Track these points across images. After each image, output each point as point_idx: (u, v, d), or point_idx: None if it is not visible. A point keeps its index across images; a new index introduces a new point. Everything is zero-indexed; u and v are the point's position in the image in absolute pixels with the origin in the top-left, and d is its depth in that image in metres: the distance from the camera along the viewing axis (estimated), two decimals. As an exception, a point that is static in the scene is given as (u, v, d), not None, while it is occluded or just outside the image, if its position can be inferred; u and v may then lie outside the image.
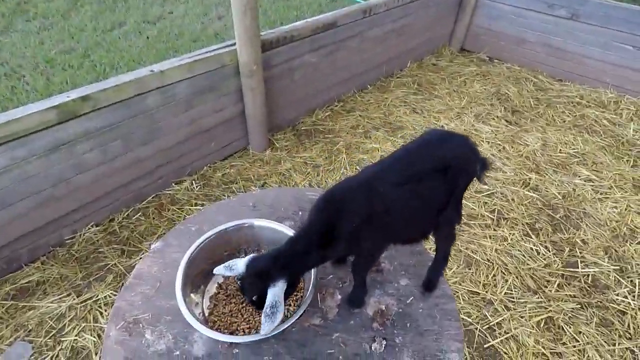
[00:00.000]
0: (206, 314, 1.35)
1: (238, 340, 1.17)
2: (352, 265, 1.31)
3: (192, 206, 2.95)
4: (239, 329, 1.29)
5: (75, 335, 2.23)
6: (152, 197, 3.01)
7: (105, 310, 2.35)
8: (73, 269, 2.56)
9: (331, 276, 1.47)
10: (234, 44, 2.91)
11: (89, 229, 2.76)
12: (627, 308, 2.31)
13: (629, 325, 2.23)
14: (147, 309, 1.38)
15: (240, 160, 3.39)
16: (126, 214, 2.89)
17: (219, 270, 1.20)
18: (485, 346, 2.14)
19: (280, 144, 3.56)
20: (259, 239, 1.54)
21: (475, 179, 1.29)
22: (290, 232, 1.44)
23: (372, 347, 1.25)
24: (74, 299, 2.39)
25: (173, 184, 3.10)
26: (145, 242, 2.73)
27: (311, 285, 1.25)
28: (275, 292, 1.09)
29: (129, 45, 5.10)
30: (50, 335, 2.23)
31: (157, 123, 2.72)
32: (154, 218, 2.87)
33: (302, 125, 3.81)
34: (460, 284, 2.42)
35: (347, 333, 1.30)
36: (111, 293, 2.43)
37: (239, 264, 1.17)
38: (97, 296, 2.41)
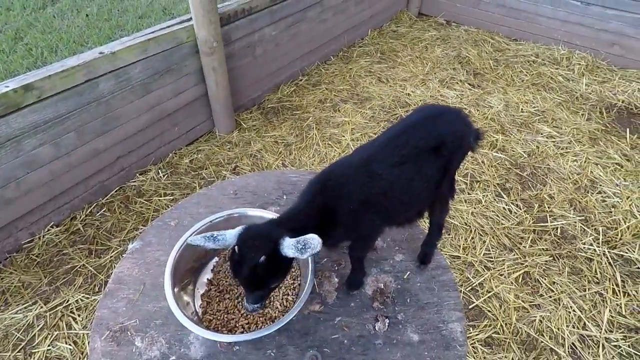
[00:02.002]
0: (200, 314, 1.28)
1: (239, 339, 1.11)
2: (350, 249, 1.27)
3: (161, 197, 2.79)
4: (237, 325, 1.23)
5: (48, 345, 2.09)
6: (116, 191, 2.82)
7: (79, 315, 2.21)
8: (36, 274, 2.38)
9: (325, 259, 1.44)
10: (190, 19, 2.69)
11: (49, 230, 2.56)
12: (593, 255, 2.47)
13: (595, 271, 2.39)
14: (134, 314, 1.29)
15: (207, 144, 3.23)
16: (89, 210, 2.70)
17: (195, 240, 1.00)
18: (470, 307, 2.22)
19: (248, 124, 3.42)
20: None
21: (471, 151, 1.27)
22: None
23: (376, 327, 1.24)
24: (42, 307, 2.23)
25: (137, 175, 2.91)
26: (114, 238, 2.56)
27: (309, 272, 1.21)
28: (288, 241, 0.93)
29: (67, 25, 4.63)
30: (19, 348, 2.08)
31: (113, 110, 2.51)
32: (120, 213, 2.70)
33: (268, 103, 3.67)
34: (441, 250, 2.48)
35: (349, 316, 1.27)
36: (83, 297, 2.28)
37: (227, 235, 1.00)
38: (68, 301, 2.26)
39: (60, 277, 2.37)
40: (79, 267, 2.41)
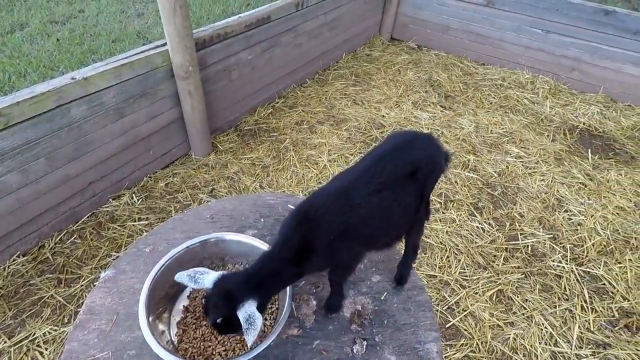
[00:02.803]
0: (175, 342, 1.25)
1: (216, 366, 1.09)
2: (330, 274, 1.28)
3: (135, 222, 2.73)
4: (214, 353, 1.21)
5: (13, 382, 1.98)
6: (88, 217, 2.74)
7: (47, 349, 2.10)
8: (0, 307, 2.26)
9: (303, 282, 1.44)
10: (165, 44, 2.71)
11: (14, 260, 2.45)
12: (562, 272, 2.55)
13: (565, 288, 2.47)
14: (106, 345, 1.24)
15: (183, 167, 3.20)
16: (59, 238, 2.61)
17: (181, 277, 1.10)
18: (447, 326, 2.24)
19: (224, 146, 3.41)
20: (224, 253, 1.45)
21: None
22: (257, 243, 1.38)
23: (354, 350, 1.25)
24: (5, 342, 2.11)
25: (111, 200, 2.85)
26: (85, 267, 2.48)
27: (287, 297, 1.21)
28: (246, 309, 1.01)
29: (37, 50, 4.56)
30: (-19, 387, 1.96)
31: (86, 136, 2.46)
32: (92, 239, 2.62)
33: (245, 125, 3.69)
34: (418, 269, 2.51)
35: (327, 339, 1.27)
36: (51, 329, 2.18)
37: (206, 279, 1.08)
38: (34, 334, 2.16)
39: (26, 309, 2.25)
40: (47, 298, 2.31)
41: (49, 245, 2.55)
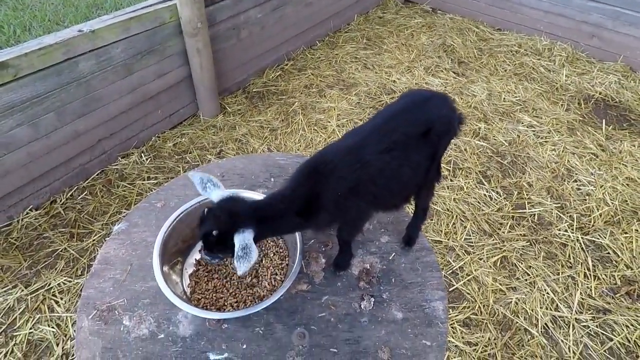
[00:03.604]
0: (188, 293, 1.29)
1: (227, 316, 1.13)
2: (338, 232, 1.30)
3: (144, 180, 2.75)
4: (226, 304, 1.25)
5: (30, 328, 2.07)
6: (98, 174, 2.76)
7: (62, 299, 2.19)
8: (15, 258, 2.33)
9: (313, 241, 1.46)
10: (173, -3, 2.63)
11: (28, 213, 2.50)
12: (567, 241, 2.57)
13: (569, 256, 2.49)
14: (121, 294, 1.29)
15: (191, 127, 3.18)
16: (70, 194, 2.64)
17: (194, 176, 1.09)
18: (450, 289, 2.29)
19: (233, 108, 3.38)
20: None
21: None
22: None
23: (362, 305, 1.28)
24: (22, 290, 2.20)
25: (120, 158, 2.86)
26: (96, 222, 2.53)
27: (297, 252, 1.23)
28: (245, 236, 0.99)
29: (41, 3, 4.44)
30: (0, 331, 2.05)
31: (94, 91, 2.44)
32: (102, 196, 2.66)
33: (253, 87, 3.63)
34: (425, 234, 2.53)
35: (335, 295, 1.31)
36: (65, 280, 2.26)
37: (214, 193, 1.07)
38: (49, 284, 2.23)
39: (41, 261, 2.33)
40: (61, 251, 2.37)
41: (60, 201, 2.59)
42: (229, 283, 1.29)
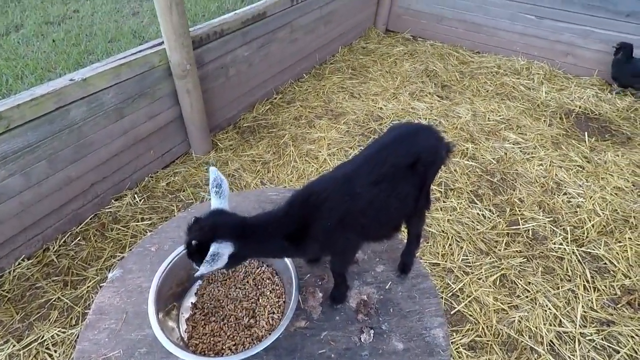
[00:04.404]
0: (185, 339, 1.27)
1: None
2: (330, 264, 1.30)
3: (138, 222, 2.75)
4: (224, 348, 1.23)
5: (25, 386, 2.00)
6: (91, 218, 2.75)
7: (56, 351, 2.13)
8: (7, 311, 2.28)
9: (309, 275, 1.46)
10: (162, 43, 2.71)
11: (20, 263, 2.47)
12: (563, 254, 2.58)
13: (567, 269, 2.50)
14: (117, 344, 1.27)
15: (184, 166, 3.21)
16: (63, 240, 2.62)
17: (213, 172, 1.13)
18: (452, 312, 2.27)
19: (224, 144, 3.42)
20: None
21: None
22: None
23: (362, 339, 1.27)
24: (14, 345, 2.13)
25: (113, 201, 2.86)
26: (90, 268, 2.49)
27: (294, 289, 1.23)
28: (220, 246, 1.00)
29: (33, 52, 4.54)
30: (-8, 391, 1.98)
31: (86, 137, 2.47)
32: (96, 241, 2.64)
33: (244, 122, 3.70)
34: (421, 258, 2.53)
35: (334, 330, 1.29)
36: (59, 331, 2.20)
37: (214, 201, 1.10)
38: (43, 337, 2.18)
39: (34, 312, 2.28)
40: (54, 300, 2.33)
41: (53, 248, 2.56)
42: (226, 325, 1.28)
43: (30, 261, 2.49)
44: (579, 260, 2.54)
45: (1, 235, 2.29)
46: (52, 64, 4.33)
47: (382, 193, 1.15)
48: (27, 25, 5.11)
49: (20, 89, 3.87)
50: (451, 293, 2.37)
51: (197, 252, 1.02)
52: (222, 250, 0.99)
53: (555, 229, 2.75)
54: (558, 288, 2.40)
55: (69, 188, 2.53)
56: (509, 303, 2.32)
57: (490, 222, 2.79)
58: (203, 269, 0.97)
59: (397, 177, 1.17)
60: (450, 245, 2.63)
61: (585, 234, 2.69)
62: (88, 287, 2.39)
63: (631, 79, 3.92)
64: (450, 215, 2.82)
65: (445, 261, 2.53)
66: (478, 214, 2.85)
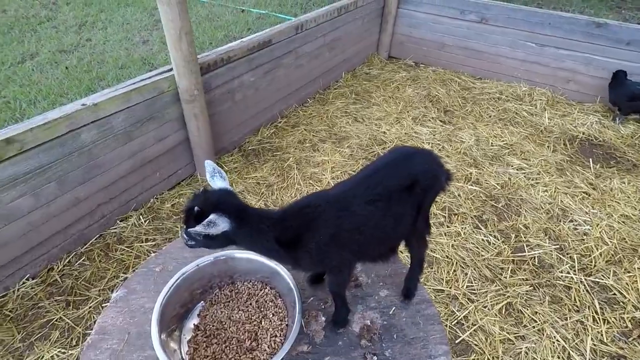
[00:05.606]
0: (187, 361, 1.26)
1: (228, 384, 1.10)
2: (328, 285, 1.31)
3: (142, 242, 2.76)
4: (225, 371, 1.22)
5: (22, 408, 1.97)
6: (96, 239, 2.77)
7: (55, 373, 2.10)
8: (8, 331, 2.27)
9: (312, 298, 1.45)
10: (171, 69, 2.79)
11: (24, 283, 2.47)
12: (571, 283, 2.54)
13: (575, 299, 2.45)
14: (118, 366, 1.26)
15: (189, 187, 3.24)
16: (67, 260, 2.63)
17: (208, 165, 1.15)
18: (457, 342, 2.23)
19: (229, 166, 3.47)
20: (233, 271, 1.48)
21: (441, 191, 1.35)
22: (266, 260, 1.40)
23: (365, 364, 1.25)
24: (14, 366, 2.12)
25: (118, 222, 2.88)
26: (93, 288, 2.49)
27: (297, 313, 1.22)
28: (217, 217, 1.02)
29: (46, 78, 4.68)
30: (-10, 413, 1.95)
31: (95, 159, 2.52)
32: (100, 261, 2.64)
33: (249, 145, 3.75)
34: (425, 284, 2.51)
35: (337, 355, 1.28)
36: (59, 352, 2.18)
37: (217, 183, 1.13)
38: (43, 357, 2.16)
39: (35, 332, 2.26)
40: (56, 320, 2.32)
41: (57, 268, 2.57)
42: (228, 348, 1.27)
43: (34, 280, 2.49)
44: (587, 290, 2.50)
45: (8, 254, 2.31)
46: (64, 90, 4.45)
47: (378, 212, 1.17)
48: (42, 53, 5.29)
49: (33, 113, 3.97)
50: (456, 321, 2.33)
51: (195, 218, 1.04)
52: (219, 221, 1.02)
53: (562, 256, 2.72)
54: (566, 319, 2.35)
55: (76, 209, 2.56)
56: (515, 333, 2.28)
57: (495, 248, 2.77)
58: (198, 228, 0.99)
59: (394, 198, 1.19)
60: (454, 271, 2.61)
61: (593, 262, 2.66)
62: (90, 307, 2.38)
63: (627, 102, 3.96)
64: (454, 241, 2.81)
65: (450, 287, 2.50)
66: (483, 239, 2.83)
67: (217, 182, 1.13)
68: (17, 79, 4.66)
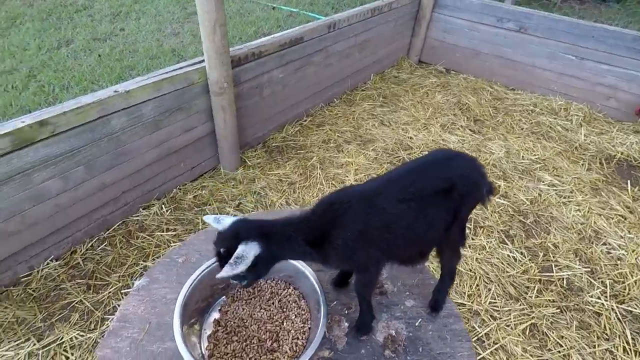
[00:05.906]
0: (206, 356, 1.24)
1: (247, 384, 1.07)
2: (354, 285, 1.26)
3: (163, 232, 2.77)
4: (244, 370, 1.19)
5: (40, 386, 2.00)
6: (119, 225, 2.80)
7: (72, 354, 2.12)
8: (31, 310, 2.30)
9: (335, 302, 1.41)
10: (202, 61, 2.80)
11: (48, 264, 2.51)
12: (601, 309, 2.42)
13: (605, 327, 2.33)
14: (138, 355, 1.24)
15: (211, 180, 3.24)
16: (90, 244, 2.66)
17: (208, 218, 1.13)
18: (477, 359, 2.15)
19: (252, 161, 3.46)
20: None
21: (480, 202, 1.28)
22: (291, 260, 1.37)
23: (388, 377, 1.20)
24: (34, 344, 2.14)
25: (141, 209, 2.90)
26: (113, 274, 2.51)
27: (322, 316, 1.18)
28: (246, 248, 1.01)
29: (80, 65, 4.79)
30: (9, 388, 1.98)
31: (123, 146, 2.54)
32: (121, 247, 2.66)
33: (273, 142, 3.74)
34: (450, 299, 2.43)
35: (359, 364, 1.23)
36: (78, 334, 2.20)
37: (227, 220, 1.11)
38: (62, 338, 2.18)
39: (56, 313, 2.29)
40: (76, 303, 2.34)
41: (80, 251, 2.60)
42: (248, 347, 1.24)
43: (57, 262, 2.53)
44: (618, 318, 2.37)
45: (35, 235, 2.35)
46: (96, 77, 4.54)
47: (410, 212, 1.13)
48: (77, 40, 5.42)
49: (65, 98, 4.06)
50: (476, 337, 2.25)
51: (227, 258, 1.02)
52: (247, 252, 1.01)
53: (592, 280, 2.59)
54: (594, 346, 2.23)
55: (102, 194, 2.59)
56: (539, 356, 2.18)
57: (522, 265, 2.67)
58: (223, 272, 0.98)
59: (427, 199, 1.14)
60: (477, 285, 2.52)
61: (627, 290, 2.52)
62: (109, 292, 2.40)
63: None
64: (479, 254, 2.71)
65: (472, 302, 2.42)
66: (508, 255, 2.73)
67: (226, 220, 1.11)
68: (52, 64, 4.77)
